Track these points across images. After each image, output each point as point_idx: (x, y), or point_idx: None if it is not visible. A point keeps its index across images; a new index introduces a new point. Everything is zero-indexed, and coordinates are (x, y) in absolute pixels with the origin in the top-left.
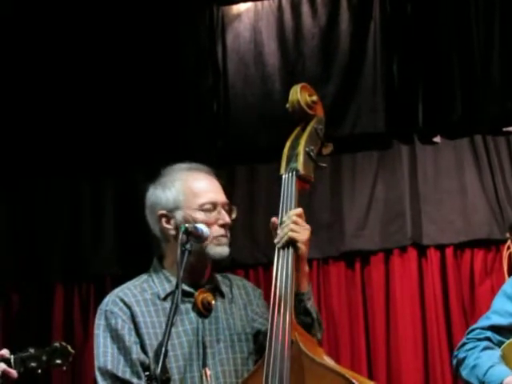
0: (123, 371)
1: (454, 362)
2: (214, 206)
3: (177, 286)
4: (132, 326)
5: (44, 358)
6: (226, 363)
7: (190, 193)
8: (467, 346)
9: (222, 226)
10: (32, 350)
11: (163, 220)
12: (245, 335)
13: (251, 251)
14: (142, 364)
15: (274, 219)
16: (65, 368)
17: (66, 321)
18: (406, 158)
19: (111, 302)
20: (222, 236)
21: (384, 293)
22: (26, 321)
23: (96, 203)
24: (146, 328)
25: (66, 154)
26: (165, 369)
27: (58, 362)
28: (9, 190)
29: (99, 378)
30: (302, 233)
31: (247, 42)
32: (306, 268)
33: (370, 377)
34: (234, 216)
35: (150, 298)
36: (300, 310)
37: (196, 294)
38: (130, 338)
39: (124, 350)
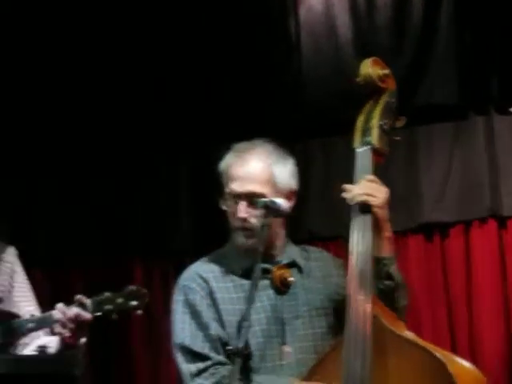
0: (202, 347)
1: None
2: (234, 196)
3: (255, 262)
4: (210, 302)
5: (119, 300)
6: (304, 339)
7: (224, 180)
8: None
9: (238, 218)
10: (107, 293)
11: (221, 201)
12: (323, 310)
13: (329, 224)
14: (221, 339)
15: (346, 186)
16: (140, 312)
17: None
18: (483, 129)
19: (189, 277)
20: (238, 229)
21: (464, 265)
22: None
23: (173, 179)
24: (224, 304)
25: (143, 130)
26: (247, 344)
27: (134, 303)
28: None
29: (178, 353)
30: (378, 196)
31: (319, 15)
32: (388, 232)
33: (453, 350)
34: (258, 207)
35: (228, 274)
36: (382, 275)
37: (273, 270)
38: (208, 314)
39: (202, 326)
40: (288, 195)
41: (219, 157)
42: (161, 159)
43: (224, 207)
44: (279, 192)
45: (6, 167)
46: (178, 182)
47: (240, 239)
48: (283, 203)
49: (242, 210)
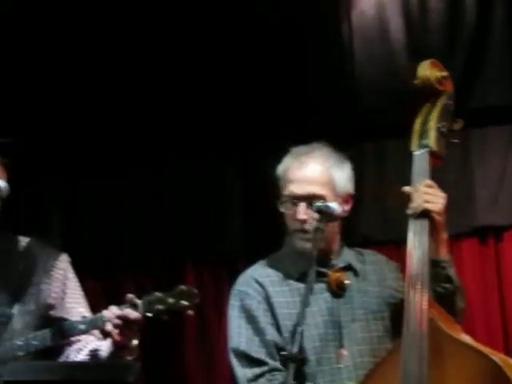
0: (258, 352)
1: None
2: (293, 198)
3: (310, 266)
4: (267, 307)
5: (170, 300)
6: (362, 342)
7: (282, 183)
8: None
9: (298, 221)
10: (158, 294)
11: (279, 203)
12: (380, 313)
13: (382, 228)
14: (277, 345)
15: (405, 188)
16: (191, 312)
17: (198, 303)
18: None
19: (245, 282)
20: (297, 231)
21: None
22: None
23: (223, 181)
24: (281, 308)
25: (192, 132)
26: (301, 349)
27: (185, 303)
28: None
29: (233, 359)
30: (436, 202)
31: (372, 19)
32: (444, 236)
33: (506, 353)
34: (314, 211)
35: (284, 278)
36: (441, 278)
37: (329, 273)
38: (264, 319)
39: (258, 331)
40: (346, 199)
41: (271, 160)
42: (212, 162)
43: (282, 210)
44: (337, 195)
45: (54, 171)
46: (229, 185)
47: (298, 242)
48: (337, 207)
49: (302, 211)
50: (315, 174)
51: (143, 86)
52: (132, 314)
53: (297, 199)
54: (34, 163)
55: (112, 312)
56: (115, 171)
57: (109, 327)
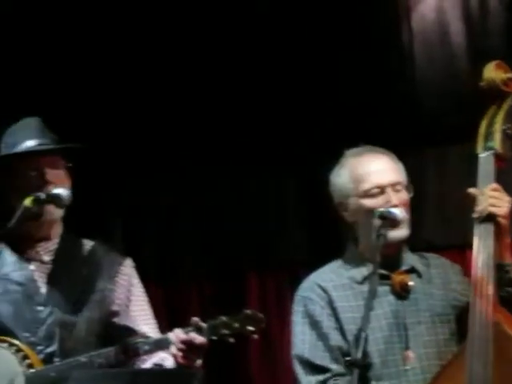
0: (322, 357)
1: None
2: (381, 188)
3: (374, 270)
4: (330, 312)
5: (236, 324)
6: (428, 345)
7: (355, 180)
8: None
9: (395, 207)
10: (223, 318)
11: (341, 208)
12: (446, 316)
13: (444, 233)
14: (341, 350)
15: (471, 190)
16: (256, 336)
17: (260, 309)
18: None
19: (308, 287)
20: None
21: None
22: (221, 310)
23: (286, 189)
24: (345, 313)
25: (249, 140)
26: (365, 353)
27: (250, 328)
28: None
29: (297, 366)
30: (502, 206)
31: (432, 23)
32: (508, 240)
33: None
34: (409, 193)
35: (347, 283)
36: (505, 282)
37: (393, 276)
38: (328, 324)
39: (322, 336)
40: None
41: (331, 166)
42: (274, 168)
43: (365, 204)
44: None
45: (117, 176)
46: (292, 193)
47: (396, 232)
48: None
49: (394, 196)
50: (391, 163)
51: (207, 97)
52: (197, 338)
53: (384, 188)
54: (97, 168)
55: (177, 336)
56: (179, 179)
57: (173, 350)
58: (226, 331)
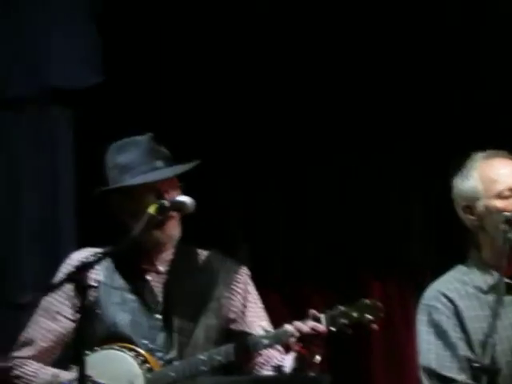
0: (449, 368)
1: None
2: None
3: (499, 279)
4: (456, 322)
5: (354, 314)
6: None
7: (487, 181)
8: None
9: None
10: (342, 307)
11: (467, 211)
12: None
13: None
14: (468, 360)
15: None
16: (376, 326)
17: (385, 316)
18: None
19: (433, 296)
20: None
21: None
22: None
23: (407, 194)
24: (471, 323)
25: (377, 148)
26: (494, 359)
27: (369, 317)
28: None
29: (423, 376)
30: None
31: None
32: None
33: None
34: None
35: (473, 292)
36: None
37: None
38: (454, 334)
39: (449, 346)
40: None
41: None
42: (394, 175)
43: (472, 219)
44: None
45: (238, 182)
46: (413, 198)
47: None
48: None
49: None
50: None
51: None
52: (317, 327)
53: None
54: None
55: (296, 326)
56: (299, 184)
57: (293, 342)
58: (344, 321)
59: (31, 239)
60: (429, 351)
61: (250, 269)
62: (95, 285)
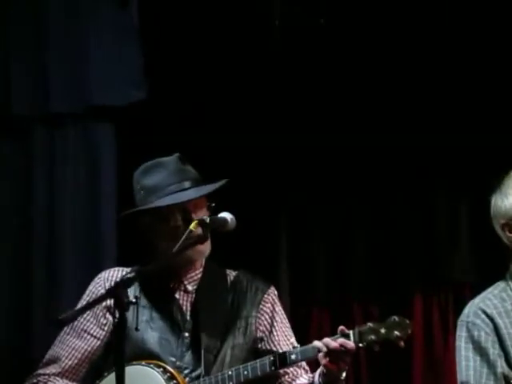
0: None
1: None
2: None
3: None
4: (496, 339)
5: (383, 330)
6: None
7: None
8: None
9: None
10: (370, 324)
11: (506, 229)
12: None
13: None
14: (507, 378)
15: None
16: (403, 344)
17: (425, 331)
18: None
19: (472, 313)
20: None
21: None
22: None
23: (451, 207)
24: (510, 340)
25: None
26: None
27: (397, 334)
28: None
29: None
30: None
31: None
32: None
33: None
34: None
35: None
36: None
37: None
38: (493, 351)
39: (488, 363)
40: None
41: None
42: (443, 190)
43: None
44: None
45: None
46: (457, 213)
47: None
48: None
49: None
50: None
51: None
52: (345, 343)
53: None
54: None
55: (324, 342)
56: (342, 198)
57: (321, 357)
58: (373, 337)
59: (74, 253)
60: (467, 367)
61: (293, 287)
62: (134, 301)
